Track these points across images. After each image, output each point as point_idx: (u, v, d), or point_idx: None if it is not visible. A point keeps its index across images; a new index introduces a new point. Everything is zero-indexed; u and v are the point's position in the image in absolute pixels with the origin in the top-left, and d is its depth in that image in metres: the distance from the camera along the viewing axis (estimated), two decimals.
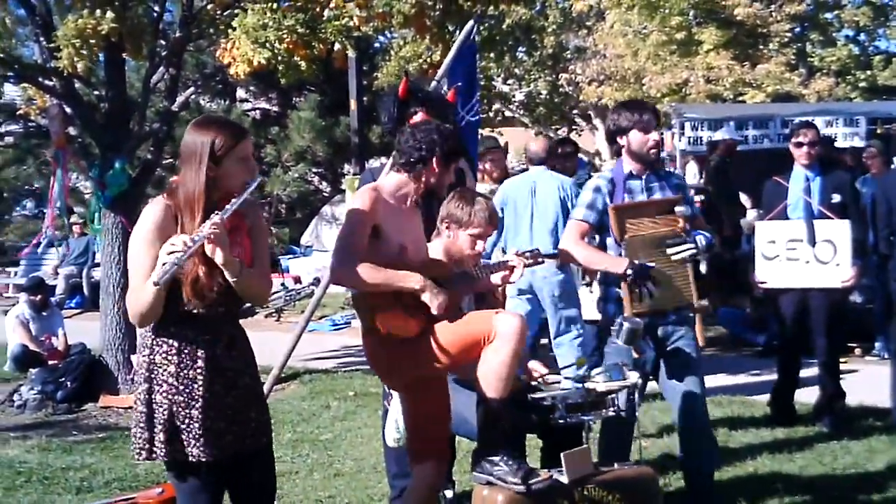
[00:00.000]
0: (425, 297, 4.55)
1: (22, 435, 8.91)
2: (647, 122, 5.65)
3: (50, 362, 10.94)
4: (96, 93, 12.90)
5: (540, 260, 5.28)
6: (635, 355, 5.51)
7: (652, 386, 6.02)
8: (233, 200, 3.98)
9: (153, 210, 4.06)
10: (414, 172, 4.82)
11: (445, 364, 4.66)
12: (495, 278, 5.10)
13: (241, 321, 4.31)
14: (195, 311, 4.02)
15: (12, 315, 11.86)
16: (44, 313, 11.92)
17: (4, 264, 21.31)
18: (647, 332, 5.50)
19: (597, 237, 5.77)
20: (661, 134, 5.65)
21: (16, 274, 19.20)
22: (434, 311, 4.57)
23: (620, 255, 5.57)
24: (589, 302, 8.11)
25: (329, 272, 4.78)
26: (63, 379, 10.17)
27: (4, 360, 11.68)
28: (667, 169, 6.12)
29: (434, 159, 4.79)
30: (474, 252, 5.28)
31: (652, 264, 5.49)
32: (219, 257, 3.91)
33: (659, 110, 6.82)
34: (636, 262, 5.45)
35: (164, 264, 3.84)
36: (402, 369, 4.76)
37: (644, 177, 5.72)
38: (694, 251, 5.60)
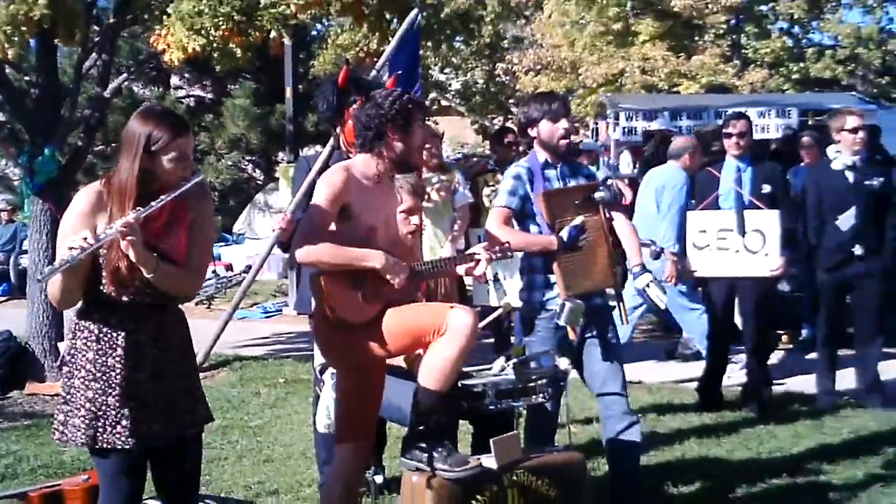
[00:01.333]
0: (386, 274, 4.54)
1: None
2: (555, 111, 5.66)
3: None
4: (27, 78, 12.72)
5: (509, 254, 5.25)
6: (572, 336, 5.54)
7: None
8: (161, 198, 3.90)
9: (84, 195, 4.02)
10: (376, 150, 4.78)
11: (393, 350, 4.64)
12: (459, 270, 5.09)
13: None
14: (121, 298, 3.99)
15: None
16: None
17: None
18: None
19: (516, 224, 5.77)
20: (575, 124, 5.67)
21: None
22: (396, 286, 4.56)
23: None
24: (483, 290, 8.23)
25: (293, 248, 4.71)
26: None
27: None
28: (577, 160, 6.14)
29: (388, 131, 4.75)
30: (412, 227, 5.28)
31: (584, 237, 5.53)
32: (132, 254, 3.83)
33: (569, 100, 6.84)
34: (563, 235, 5.48)
35: (60, 259, 3.79)
36: (350, 350, 4.72)
37: (559, 166, 5.76)
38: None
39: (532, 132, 5.73)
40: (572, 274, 5.51)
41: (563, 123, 5.67)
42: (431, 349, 4.49)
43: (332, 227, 4.62)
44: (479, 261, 4.99)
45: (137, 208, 3.85)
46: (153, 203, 3.88)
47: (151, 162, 3.96)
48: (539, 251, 5.59)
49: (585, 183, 5.80)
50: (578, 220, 5.52)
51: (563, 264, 5.50)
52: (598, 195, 5.69)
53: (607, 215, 5.72)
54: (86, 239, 3.77)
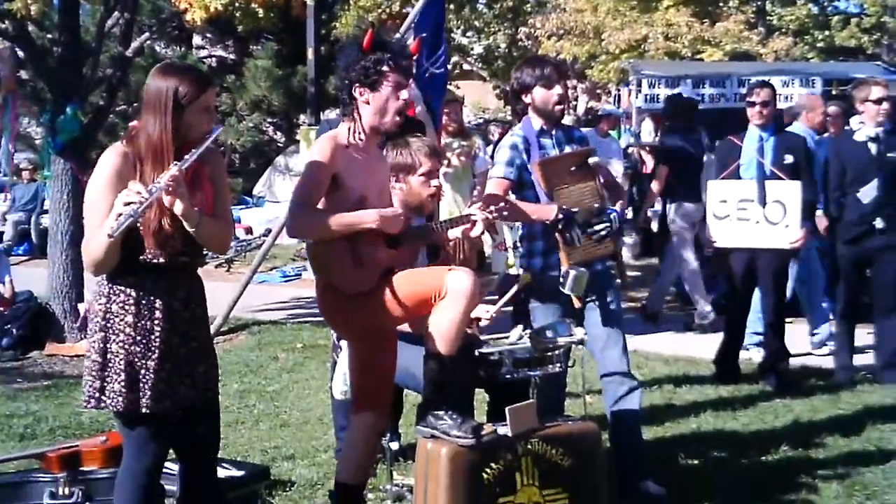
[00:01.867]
0: (386, 226, 4.52)
1: None
2: (549, 76, 5.62)
3: None
4: (49, 36, 12.71)
5: (504, 214, 5.23)
6: (577, 304, 5.54)
7: None
8: (193, 150, 3.92)
9: (111, 157, 4.00)
10: (349, 115, 4.73)
11: (397, 317, 4.64)
12: (454, 232, 5.06)
13: None
14: (155, 260, 3.99)
15: None
16: None
17: None
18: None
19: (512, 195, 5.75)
20: (568, 87, 5.61)
21: None
22: (394, 232, 4.55)
23: None
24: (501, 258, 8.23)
25: (285, 224, 4.70)
26: (9, 326, 10.10)
27: None
28: (566, 124, 6.10)
29: (356, 93, 4.70)
30: (432, 190, 5.27)
31: (575, 209, 5.51)
32: (178, 208, 3.86)
33: (563, 65, 6.77)
34: (562, 208, 5.47)
35: (119, 215, 3.77)
36: (354, 321, 4.73)
37: (553, 133, 5.74)
38: (608, 229, 5.62)
39: (526, 98, 5.70)
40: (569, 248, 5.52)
41: (558, 89, 5.64)
42: (433, 313, 4.49)
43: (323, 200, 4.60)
44: (475, 222, 4.96)
45: (175, 162, 3.86)
46: (187, 156, 3.90)
47: (179, 118, 3.96)
48: (538, 220, 5.59)
49: (580, 149, 5.79)
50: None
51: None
52: (592, 160, 5.69)
53: (601, 179, 5.72)
54: (140, 193, 3.77)
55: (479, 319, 5.42)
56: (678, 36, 22.35)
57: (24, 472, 5.88)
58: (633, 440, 5.79)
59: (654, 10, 23.30)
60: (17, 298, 10.91)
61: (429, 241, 5.12)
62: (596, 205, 5.63)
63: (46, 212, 13.38)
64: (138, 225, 3.88)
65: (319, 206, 4.55)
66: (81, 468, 5.60)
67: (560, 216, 5.44)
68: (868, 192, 8.01)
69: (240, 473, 5.70)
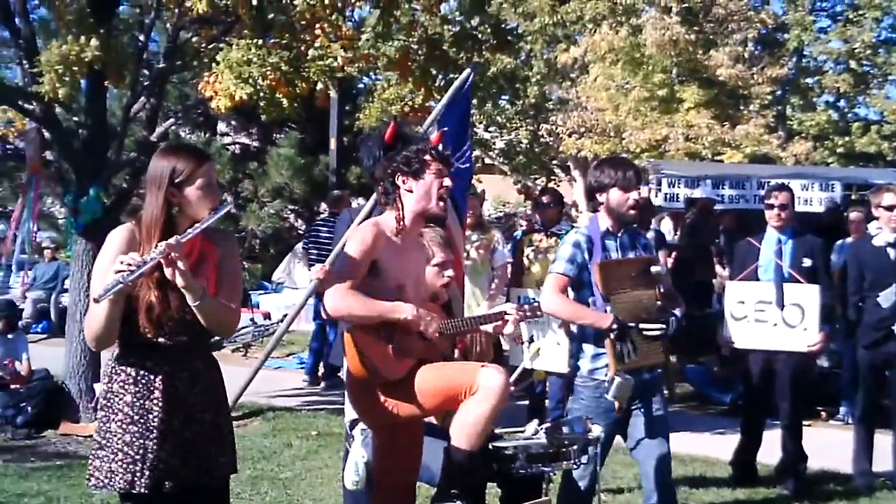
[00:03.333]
0: (419, 323, 4.53)
1: None
2: (628, 180, 5.64)
3: (12, 386, 10.83)
4: (76, 119, 12.88)
5: (539, 313, 5.24)
6: (618, 412, 5.51)
7: (616, 441, 6.01)
8: (195, 225, 3.97)
9: (117, 234, 4.07)
10: (392, 203, 4.79)
11: (425, 409, 4.64)
12: (487, 328, 5.08)
13: None
14: (156, 340, 3.99)
15: None
16: (9, 336, 11.81)
17: None
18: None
19: (571, 292, 5.76)
20: (646, 191, 5.67)
21: None
22: (428, 336, 4.54)
23: (605, 311, 5.58)
24: (558, 354, 8.15)
25: (325, 301, 4.72)
26: (24, 404, 10.08)
27: None
28: (635, 228, 6.08)
29: (399, 180, 4.74)
30: (445, 280, 5.29)
31: (632, 324, 5.50)
32: (178, 280, 3.88)
33: (641, 171, 6.77)
34: (619, 319, 5.46)
35: (111, 281, 3.80)
36: (382, 410, 4.72)
37: (619, 236, 5.74)
38: (664, 331, 5.61)
39: (601, 198, 5.70)
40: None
41: (635, 194, 5.65)
42: (463, 408, 4.48)
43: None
44: (506, 320, 4.97)
45: (176, 235, 3.89)
46: (189, 231, 3.93)
47: (180, 196, 4.01)
48: (590, 325, 5.58)
49: (643, 256, 5.78)
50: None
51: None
52: (654, 269, 5.68)
53: (661, 289, 5.70)
54: (132, 261, 3.80)
55: None
56: (698, 137, 22.46)
57: None
58: None
59: (675, 111, 23.46)
60: (33, 376, 10.92)
61: (462, 335, 5.12)
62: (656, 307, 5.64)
63: (66, 291, 13.42)
64: (134, 302, 3.90)
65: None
66: None
67: (615, 326, 5.44)
68: (888, 297, 7.98)
69: None
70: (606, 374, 5.50)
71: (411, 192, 4.74)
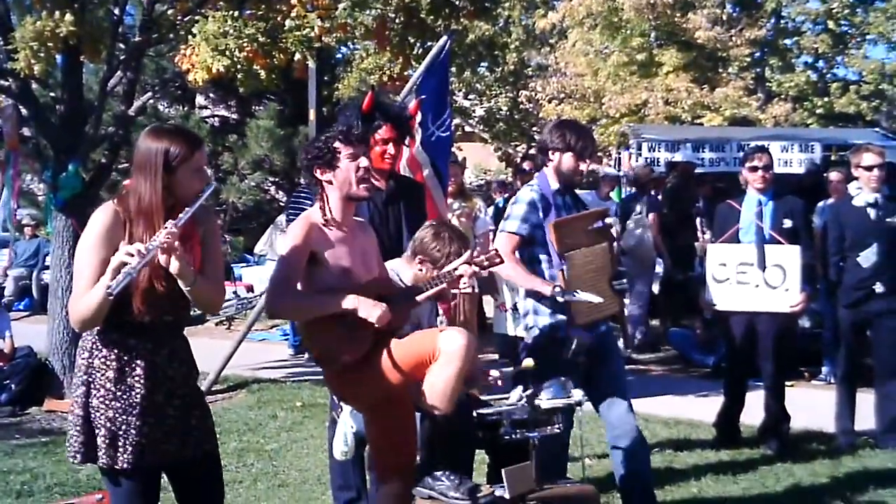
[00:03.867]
0: (362, 313, 4.51)
1: None
2: (582, 149, 5.72)
3: None
4: (52, 94, 12.79)
5: (497, 260, 5.15)
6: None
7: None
8: (186, 209, 3.94)
9: (101, 216, 4.01)
10: (318, 193, 4.76)
11: (397, 383, 4.62)
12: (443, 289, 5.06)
13: (191, 328, 4.30)
14: (141, 319, 3.99)
15: None
16: None
17: None
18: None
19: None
20: (598, 153, 5.78)
21: None
22: (375, 324, 4.53)
23: (561, 270, 5.61)
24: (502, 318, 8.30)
25: (266, 307, 4.72)
26: (7, 381, 10.07)
27: None
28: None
29: (318, 172, 4.70)
30: (449, 294, 5.31)
31: (575, 294, 5.52)
32: (174, 266, 3.87)
33: (596, 139, 6.84)
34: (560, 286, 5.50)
35: (117, 273, 3.78)
36: (361, 392, 4.73)
37: (564, 196, 5.83)
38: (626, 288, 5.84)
39: (552, 156, 5.75)
40: (579, 304, 5.54)
41: (584, 165, 5.72)
42: (428, 373, 4.49)
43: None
44: (460, 276, 4.94)
45: (171, 221, 3.87)
46: (181, 215, 3.91)
47: (170, 178, 3.98)
48: (533, 291, 5.64)
49: (595, 209, 5.86)
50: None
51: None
52: (609, 220, 5.77)
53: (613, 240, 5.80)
54: (139, 251, 3.78)
55: (480, 380, 5.40)
56: (678, 101, 22.50)
57: None
58: (646, 498, 5.78)
59: (654, 75, 23.48)
60: (16, 354, 10.90)
61: (416, 304, 5.05)
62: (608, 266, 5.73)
63: (48, 268, 13.39)
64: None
65: (300, 286, 4.57)
66: None
67: (558, 290, 5.48)
68: (868, 257, 8.03)
69: None
70: (563, 333, 5.55)
71: (331, 182, 4.71)
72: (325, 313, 4.52)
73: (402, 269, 5.20)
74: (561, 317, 5.62)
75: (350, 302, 4.50)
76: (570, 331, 5.54)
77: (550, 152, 5.78)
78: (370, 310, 4.51)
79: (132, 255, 3.79)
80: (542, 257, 5.71)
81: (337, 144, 4.68)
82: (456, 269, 4.92)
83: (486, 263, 5.02)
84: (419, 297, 4.82)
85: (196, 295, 4.03)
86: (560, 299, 5.51)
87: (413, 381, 4.66)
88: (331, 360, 4.62)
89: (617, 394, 5.77)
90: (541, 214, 5.68)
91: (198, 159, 4.06)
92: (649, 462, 5.93)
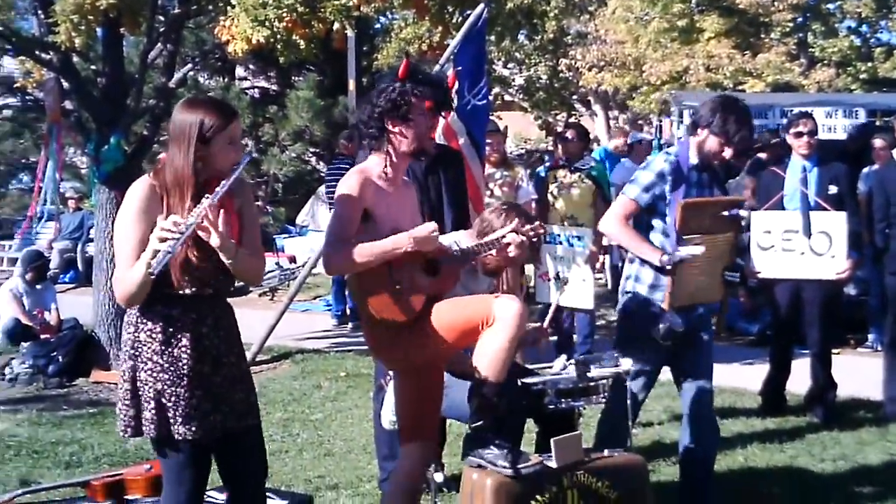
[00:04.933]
0: (417, 245, 4.44)
1: (12, 409, 8.92)
2: (736, 140, 5.51)
3: (42, 336, 10.94)
4: (94, 67, 12.84)
5: (542, 232, 5.13)
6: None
7: None
8: (222, 182, 3.94)
9: (138, 189, 4.02)
10: (383, 148, 4.72)
11: (444, 347, 4.59)
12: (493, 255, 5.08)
13: (234, 300, 4.30)
14: (182, 291, 4.00)
15: (5, 288, 11.84)
16: (37, 287, 11.90)
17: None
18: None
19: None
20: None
21: (10, 248, 19.07)
22: (429, 250, 4.50)
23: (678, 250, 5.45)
24: (583, 290, 8.17)
25: (323, 262, 4.69)
26: (55, 353, 10.15)
27: None
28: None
29: (389, 124, 4.66)
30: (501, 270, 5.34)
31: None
32: (214, 240, 3.87)
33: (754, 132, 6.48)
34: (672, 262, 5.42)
35: (156, 251, 3.79)
36: (401, 353, 4.70)
37: (701, 172, 5.66)
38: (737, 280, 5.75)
39: (700, 133, 5.61)
40: (684, 286, 5.48)
41: (730, 152, 5.56)
42: (482, 340, 4.45)
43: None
44: (507, 243, 4.92)
45: (207, 195, 3.87)
46: (217, 189, 3.91)
47: (205, 149, 3.98)
48: (643, 260, 5.56)
49: (729, 197, 5.73)
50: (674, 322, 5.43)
51: (676, 275, 5.46)
52: (742, 212, 5.63)
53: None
54: (177, 226, 3.79)
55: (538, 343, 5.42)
56: (719, 67, 22.24)
57: (68, 501, 5.91)
58: (706, 485, 5.75)
59: (696, 41, 23.22)
60: (63, 326, 11.03)
61: (465, 264, 5.02)
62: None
63: (92, 240, 13.48)
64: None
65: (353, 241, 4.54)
66: (126, 496, 5.63)
67: (669, 267, 5.40)
68: None
69: (284, 503, 5.69)
70: (657, 311, 5.47)
71: (402, 134, 4.65)
72: (383, 259, 4.46)
73: (463, 241, 5.18)
74: (659, 295, 5.53)
75: (404, 239, 4.44)
76: (664, 315, 5.41)
77: (700, 129, 5.60)
78: (427, 239, 4.46)
79: (171, 231, 3.79)
80: (657, 224, 5.60)
81: (413, 98, 4.64)
82: (504, 236, 4.91)
83: (531, 234, 5.00)
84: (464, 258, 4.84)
85: (237, 267, 4.04)
86: (667, 266, 5.40)
87: (459, 346, 4.64)
88: (380, 323, 4.59)
89: (698, 377, 5.67)
90: (668, 187, 5.53)
91: (233, 130, 4.05)
92: (716, 449, 5.87)
